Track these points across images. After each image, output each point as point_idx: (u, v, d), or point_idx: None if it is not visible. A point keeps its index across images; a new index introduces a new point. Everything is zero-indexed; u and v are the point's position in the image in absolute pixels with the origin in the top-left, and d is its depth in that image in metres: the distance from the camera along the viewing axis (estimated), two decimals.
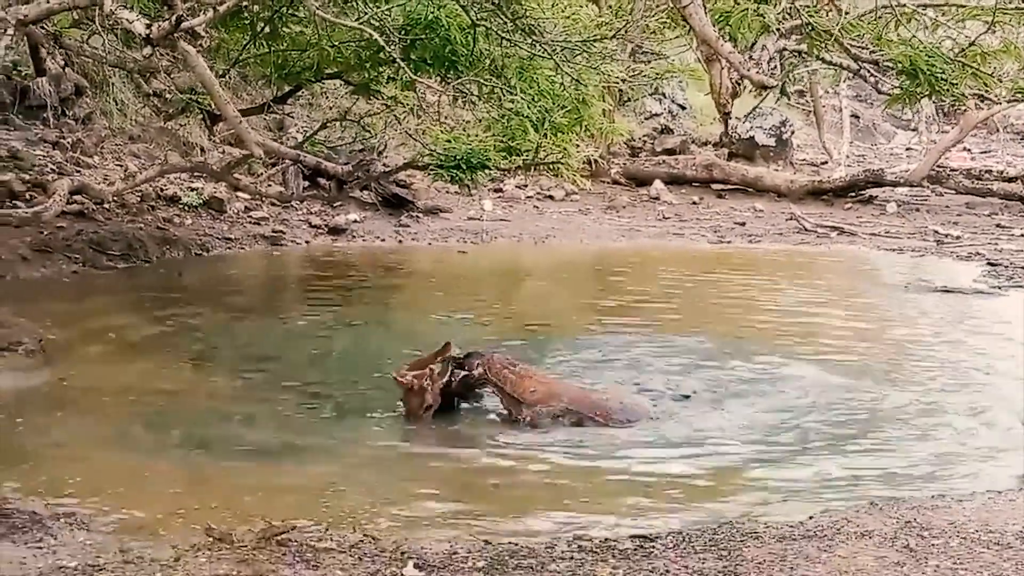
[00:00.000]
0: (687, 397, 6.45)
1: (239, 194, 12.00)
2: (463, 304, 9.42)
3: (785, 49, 9.73)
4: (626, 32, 12.95)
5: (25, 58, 10.89)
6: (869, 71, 9.10)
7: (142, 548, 4.11)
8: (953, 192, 15.58)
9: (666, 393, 6.50)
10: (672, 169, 16.06)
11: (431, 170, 8.95)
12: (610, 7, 13.64)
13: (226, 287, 9.77)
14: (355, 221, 12.44)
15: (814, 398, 6.57)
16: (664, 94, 18.33)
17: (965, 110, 15.57)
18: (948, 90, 8.42)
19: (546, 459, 5.48)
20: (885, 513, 4.57)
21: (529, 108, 8.22)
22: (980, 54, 8.53)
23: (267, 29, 8.38)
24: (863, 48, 8.80)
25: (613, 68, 8.98)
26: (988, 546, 4.22)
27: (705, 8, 7.07)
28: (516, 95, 8.19)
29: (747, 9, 7.91)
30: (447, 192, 13.26)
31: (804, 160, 18.58)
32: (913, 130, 21.80)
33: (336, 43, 8.40)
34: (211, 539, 4.17)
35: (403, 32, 7.71)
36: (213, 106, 8.98)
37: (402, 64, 7.42)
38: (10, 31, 6.79)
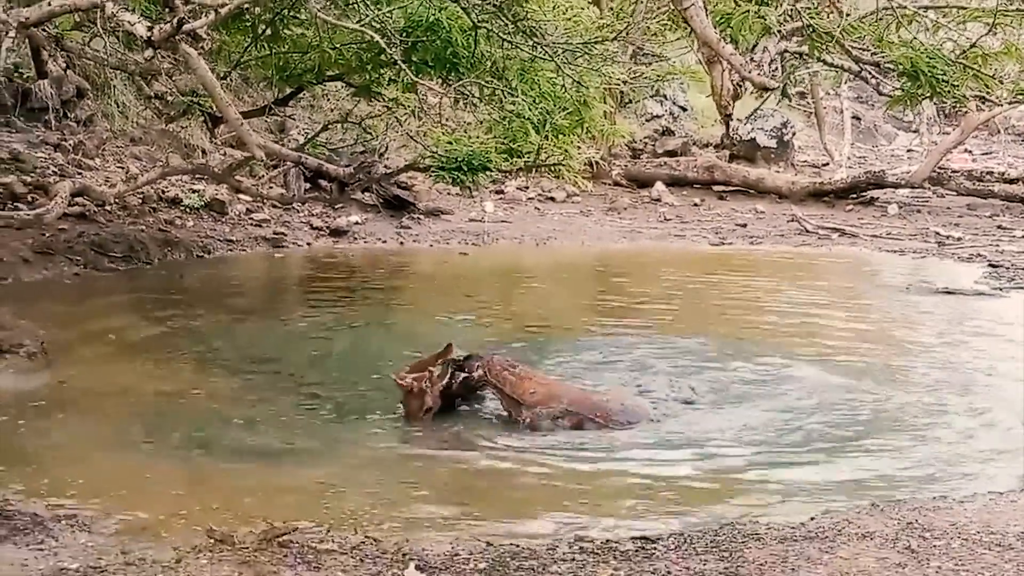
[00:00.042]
0: (690, 402, 6.45)
1: (240, 196, 12.01)
2: (464, 305, 9.42)
3: (786, 51, 9.74)
4: (627, 34, 12.97)
5: (27, 60, 10.90)
6: (870, 73, 9.08)
7: (143, 550, 4.11)
8: (954, 193, 15.57)
9: (669, 395, 6.50)
10: (673, 171, 16.06)
11: (432, 172, 8.96)
12: (611, 9, 13.66)
13: (227, 289, 9.77)
14: (356, 223, 12.44)
15: (815, 399, 6.58)
16: (665, 96, 18.32)
17: (966, 112, 15.57)
18: (949, 92, 8.42)
19: (547, 461, 5.48)
20: (886, 514, 4.57)
21: (530, 110, 8.22)
22: (981, 56, 8.52)
23: (268, 31, 8.39)
24: (864, 50, 8.80)
25: (614, 70, 8.98)
26: (990, 547, 4.22)
27: (706, 10, 7.07)
28: (517, 97, 8.19)
29: (748, 11, 7.90)
30: (448, 194, 13.25)
31: (805, 162, 18.58)
32: (914, 132, 21.77)
33: (337, 45, 8.40)
34: (212, 541, 4.17)
35: (404, 34, 7.72)
36: (214, 108, 8.98)
37: (403, 66, 7.42)
38: (12, 33, 6.79)
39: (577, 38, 8.09)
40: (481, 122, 9.38)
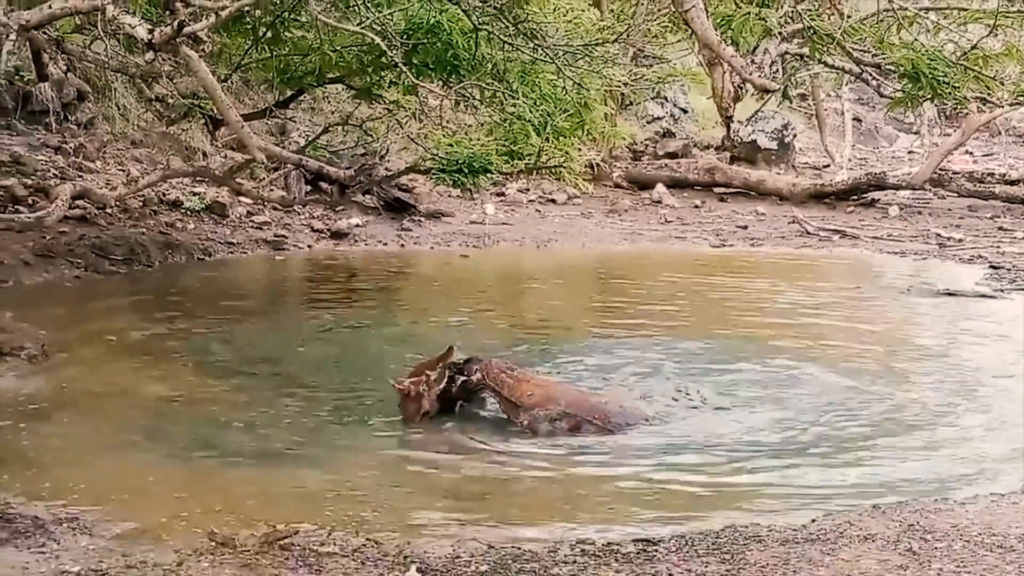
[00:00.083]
0: (693, 405, 6.45)
1: (241, 199, 12.01)
2: (465, 308, 9.42)
3: (787, 53, 9.71)
4: (628, 36, 12.96)
5: (27, 63, 10.90)
6: (871, 74, 9.08)
7: (145, 553, 4.11)
8: (955, 195, 15.57)
9: (672, 397, 6.50)
10: (674, 173, 16.06)
11: (433, 174, 8.95)
12: (612, 11, 13.65)
13: (228, 291, 9.76)
14: (357, 225, 12.44)
15: (817, 401, 6.57)
16: (666, 98, 18.32)
17: (967, 113, 15.56)
18: (950, 93, 8.42)
19: (548, 463, 5.48)
20: (888, 516, 4.57)
21: (531, 112, 8.22)
22: (982, 57, 8.53)
23: (269, 34, 8.39)
24: (865, 52, 8.79)
25: (615, 72, 8.97)
26: (991, 549, 4.21)
27: (707, 12, 7.07)
28: (518, 99, 8.19)
29: (749, 13, 7.91)
30: (449, 196, 13.25)
31: (806, 163, 18.58)
32: (915, 133, 21.76)
33: (338, 48, 8.40)
34: (214, 544, 4.17)
35: (405, 36, 7.71)
36: (215, 111, 8.97)
37: (404, 68, 7.42)
38: (12, 36, 6.80)
39: (578, 40, 8.09)
40: (482, 124, 9.37)
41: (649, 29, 14.96)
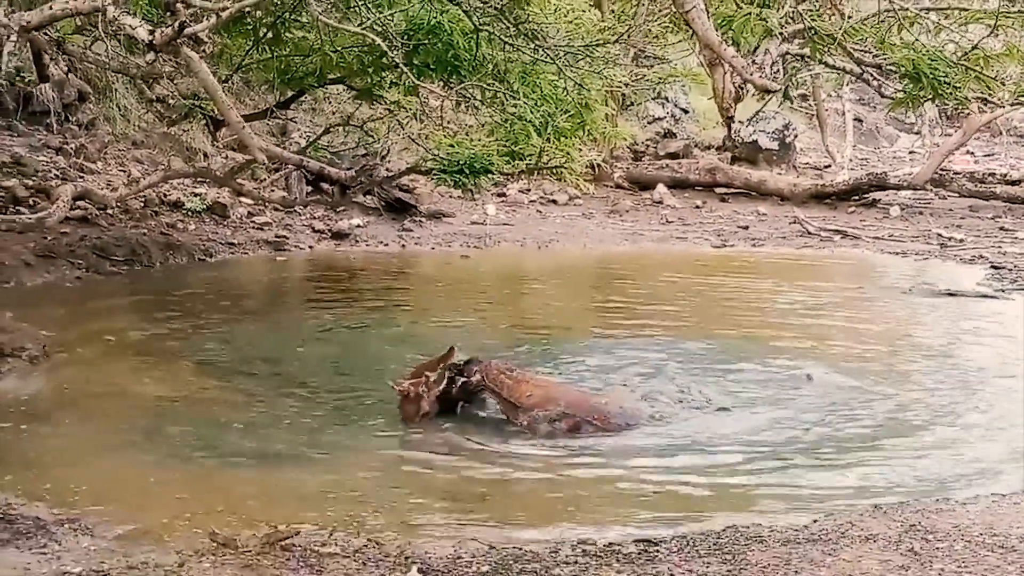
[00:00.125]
0: (696, 405, 6.44)
1: (242, 199, 12.02)
2: (466, 308, 9.42)
3: (788, 53, 9.70)
4: (629, 36, 12.96)
5: (28, 64, 10.90)
6: (872, 75, 9.07)
7: (146, 554, 4.11)
8: (956, 195, 15.57)
9: (674, 398, 6.50)
10: (675, 173, 16.07)
11: (434, 175, 8.95)
12: (613, 11, 13.66)
13: (229, 292, 9.76)
14: (358, 226, 12.44)
15: (818, 401, 6.58)
16: (667, 98, 18.33)
17: (968, 113, 15.57)
18: (951, 93, 8.41)
19: (549, 464, 5.48)
20: (889, 517, 4.57)
21: (532, 113, 8.22)
22: (983, 57, 8.52)
23: (270, 34, 8.39)
24: (866, 52, 8.79)
25: (616, 72, 8.96)
26: (992, 549, 4.21)
27: (708, 12, 7.07)
28: (519, 100, 8.19)
29: (750, 13, 7.90)
30: (450, 197, 13.25)
31: (807, 164, 18.59)
32: (916, 133, 21.77)
33: (339, 48, 8.39)
34: (215, 544, 4.17)
35: (406, 37, 7.71)
36: (216, 111, 8.98)
37: (405, 69, 7.41)
38: (13, 37, 6.80)
39: (579, 41, 8.09)
40: (483, 125, 9.37)
41: (650, 30, 14.97)
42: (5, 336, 6.96)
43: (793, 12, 8.54)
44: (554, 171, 9.36)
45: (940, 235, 13.32)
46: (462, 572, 4.03)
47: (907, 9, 8.91)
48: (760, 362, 7.43)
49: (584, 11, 8.42)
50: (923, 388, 6.95)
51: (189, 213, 11.71)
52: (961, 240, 13.09)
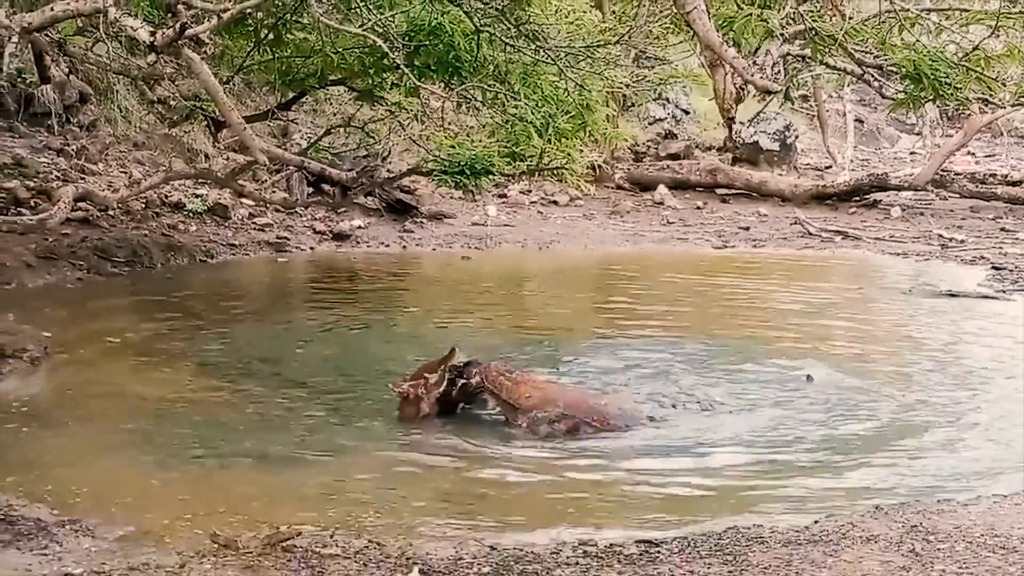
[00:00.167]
0: (698, 407, 6.44)
1: (243, 200, 12.02)
2: (467, 310, 9.42)
3: (789, 54, 9.69)
4: (630, 37, 12.95)
5: (29, 66, 10.90)
6: (873, 76, 9.07)
7: (147, 555, 4.11)
8: (957, 196, 15.57)
9: (675, 399, 6.50)
10: (676, 174, 16.06)
11: (435, 176, 8.94)
12: (614, 13, 13.65)
13: (230, 293, 9.77)
14: (359, 227, 12.44)
15: (820, 402, 6.57)
16: (668, 99, 18.32)
17: (969, 114, 15.56)
18: (952, 94, 8.41)
19: (551, 465, 5.48)
20: (891, 517, 4.57)
21: (533, 114, 8.22)
22: (984, 58, 8.52)
23: (271, 36, 8.39)
24: (867, 53, 8.79)
25: (617, 73, 8.97)
26: (994, 550, 4.21)
27: (709, 13, 7.07)
28: (520, 101, 8.19)
29: (751, 14, 7.90)
30: (451, 198, 13.25)
31: (808, 164, 18.58)
32: (917, 134, 21.77)
33: (340, 49, 8.40)
34: (216, 545, 4.17)
35: (407, 38, 7.71)
36: (217, 113, 8.99)
37: (406, 70, 7.42)
38: (14, 39, 6.80)
39: (580, 42, 8.10)
40: (484, 126, 9.37)
41: (651, 31, 14.94)
42: (6, 337, 6.96)
43: (794, 13, 8.54)
44: (555, 172, 9.37)
45: (941, 236, 13.32)
46: (463, 573, 4.03)
47: (908, 10, 8.91)
48: (761, 363, 7.43)
49: (585, 12, 8.43)
50: (924, 389, 6.95)
51: (190, 214, 11.71)
52: (962, 241, 13.09)
